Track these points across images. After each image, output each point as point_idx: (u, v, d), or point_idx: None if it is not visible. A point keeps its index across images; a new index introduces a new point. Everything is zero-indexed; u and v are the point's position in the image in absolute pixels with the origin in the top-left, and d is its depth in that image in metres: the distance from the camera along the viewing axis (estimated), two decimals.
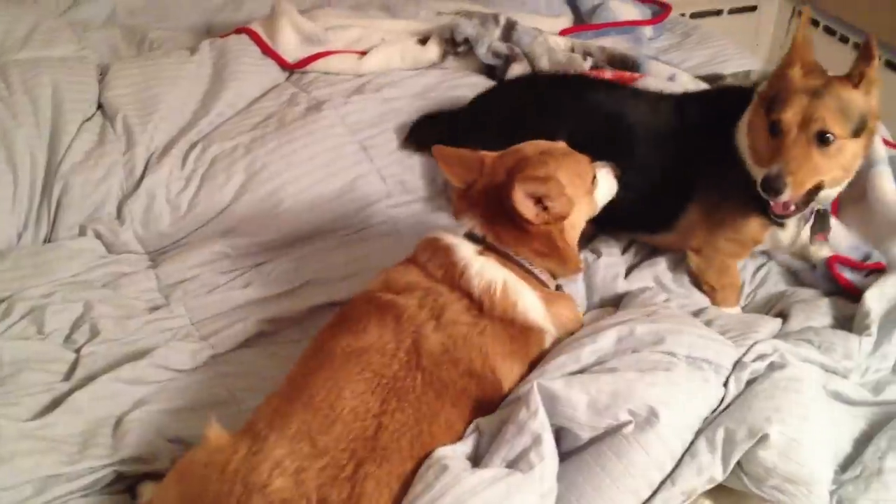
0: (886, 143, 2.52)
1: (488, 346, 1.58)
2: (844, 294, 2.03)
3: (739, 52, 3.17)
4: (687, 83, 2.57)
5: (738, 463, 1.48)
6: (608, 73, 2.55)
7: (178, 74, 2.49)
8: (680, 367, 1.56)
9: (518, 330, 1.63)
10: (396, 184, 2.33)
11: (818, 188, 1.87)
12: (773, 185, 1.77)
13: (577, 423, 1.45)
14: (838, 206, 2.36)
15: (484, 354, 1.57)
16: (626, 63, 2.69)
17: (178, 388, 1.80)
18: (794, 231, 2.05)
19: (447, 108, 2.44)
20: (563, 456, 1.48)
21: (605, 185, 1.82)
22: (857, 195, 2.32)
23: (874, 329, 1.86)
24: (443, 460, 1.39)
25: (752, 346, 1.67)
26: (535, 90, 2.26)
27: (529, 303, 1.64)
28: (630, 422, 1.45)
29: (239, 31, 2.72)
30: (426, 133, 2.35)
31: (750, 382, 1.60)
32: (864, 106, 1.84)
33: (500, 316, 1.61)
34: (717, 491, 1.51)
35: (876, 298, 1.91)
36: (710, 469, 1.46)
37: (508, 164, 1.67)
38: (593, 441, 1.48)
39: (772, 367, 1.62)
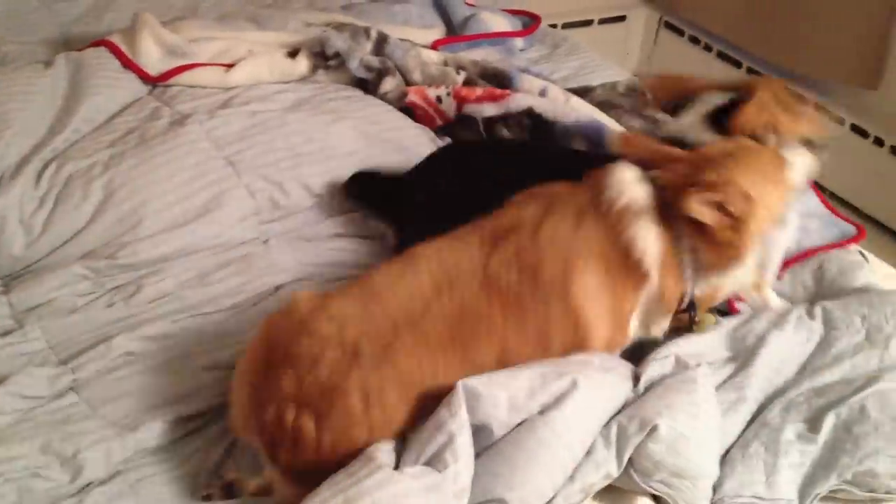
0: None
1: (572, 254, 1.61)
2: None
3: (605, 64, 3.28)
4: (557, 97, 2.63)
5: (630, 459, 1.54)
6: (479, 90, 2.58)
7: (30, 89, 2.39)
8: (594, 368, 1.63)
9: (620, 257, 1.64)
10: (266, 199, 2.29)
11: None
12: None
13: (497, 421, 1.49)
14: None
15: (562, 261, 1.60)
16: (498, 77, 2.73)
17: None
18: None
19: (385, 168, 2.39)
20: (479, 454, 1.50)
21: (802, 165, 1.85)
22: None
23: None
24: (373, 456, 1.40)
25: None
26: (491, 158, 2.28)
27: (651, 241, 1.64)
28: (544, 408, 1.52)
29: (97, 43, 2.63)
30: (366, 188, 2.33)
31: (649, 388, 1.68)
32: None
33: (610, 232, 1.64)
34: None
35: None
36: (607, 464, 1.52)
37: (690, 168, 1.67)
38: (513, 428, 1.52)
39: (670, 373, 1.72)
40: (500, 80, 2.72)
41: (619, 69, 3.35)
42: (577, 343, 1.65)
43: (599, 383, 1.60)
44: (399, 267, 1.62)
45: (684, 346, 1.80)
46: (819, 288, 2.16)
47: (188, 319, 1.97)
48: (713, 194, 1.61)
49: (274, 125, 2.41)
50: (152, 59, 2.59)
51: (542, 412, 1.51)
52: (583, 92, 2.78)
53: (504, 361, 1.56)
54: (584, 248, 1.63)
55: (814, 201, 2.47)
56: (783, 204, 1.77)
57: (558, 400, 1.51)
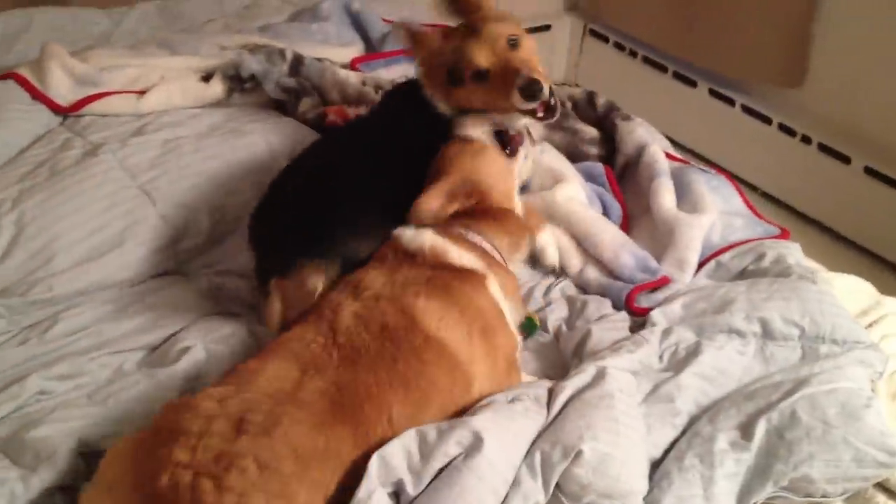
0: (669, 156, 2.74)
1: (406, 294, 1.76)
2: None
3: None
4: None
5: (557, 484, 1.57)
6: None
7: None
8: (500, 404, 1.69)
9: (450, 275, 1.84)
10: (182, 227, 2.30)
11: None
12: (532, 87, 2.05)
13: (407, 477, 1.51)
14: (628, 220, 2.55)
15: (401, 306, 1.73)
16: None
17: None
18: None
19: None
20: None
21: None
22: (644, 208, 2.52)
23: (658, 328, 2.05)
24: None
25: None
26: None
27: (461, 252, 1.89)
28: (460, 454, 1.53)
29: (5, 76, 2.62)
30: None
31: (566, 405, 1.72)
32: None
33: (428, 265, 1.86)
34: None
35: (661, 315, 2.10)
36: (535, 495, 1.55)
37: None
38: (428, 485, 1.53)
39: (586, 387, 1.76)
40: None
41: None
42: (458, 366, 1.72)
43: (508, 420, 1.63)
44: (260, 360, 1.64)
45: (612, 361, 1.85)
46: (748, 276, 2.26)
47: (104, 357, 1.98)
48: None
49: (188, 150, 2.44)
50: (62, 89, 2.60)
51: (463, 457, 1.54)
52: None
53: (398, 422, 1.60)
54: (413, 290, 1.78)
55: (736, 200, 2.58)
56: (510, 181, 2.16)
57: (475, 437, 1.55)
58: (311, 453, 1.44)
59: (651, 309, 2.15)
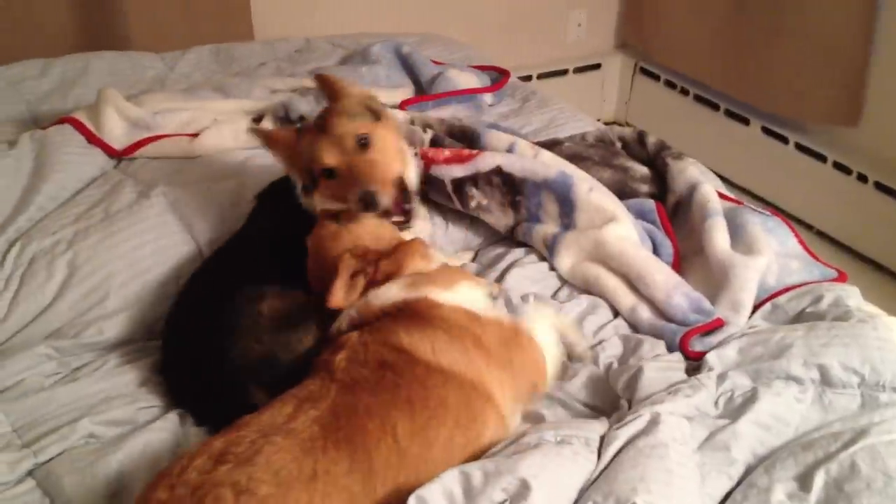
0: (722, 196, 2.69)
1: (387, 335, 1.77)
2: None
3: (576, 114, 3.35)
4: (525, 152, 2.68)
5: None
6: (446, 152, 2.62)
7: None
8: (549, 445, 1.65)
9: (406, 312, 1.84)
10: None
11: (400, 180, 2.16)
12: (368, 199, 2.04)
13: None
14: (679, 260, 2.51)
15: (390, 344, 1.75)
16: (465, 135, 2.79)
17: None
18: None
19: None
20: None
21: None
22: (696, 248, 2.47)
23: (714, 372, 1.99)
24: None
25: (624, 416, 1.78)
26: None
27: (387, 291, 1.90)
28: (504, 501, 1.49)
29: (62, 120, 2.70)
30: None
31: (619, 452, 1.67)
32: (359, 99, 2.25)
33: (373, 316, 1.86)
34: None
35: (716, 359, 2.04)
36: None
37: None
38: None
39: (639, 434, 1.71)
40: (467, 138, 2.77)
41: (590, 119, 3.42)
42: (467, 384, 1.73)
43: (557, 467, 1.60)
44: (258, 410, 1.64)
45: (668, 406, 1.81)
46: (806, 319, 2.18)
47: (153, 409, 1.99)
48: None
49: (232, 194, 2.47)
50: (116, 133, 2.66)
51: (506, 500, 1.50)
52: (551, 145, 2.83)
53: (406, 438, 1.59)
54: (389, 330, 1.81)
55: (792, 242, 2.51)
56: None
57: (522, 485, 1.51)
58: (296, 477, 1.44)
59: (706, 353, 2.09)
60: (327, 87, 2.30)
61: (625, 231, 2.45)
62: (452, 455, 1.67)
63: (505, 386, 1.81)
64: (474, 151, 2.62)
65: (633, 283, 2.35)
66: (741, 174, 4.44)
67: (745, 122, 4.52)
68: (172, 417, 1.92)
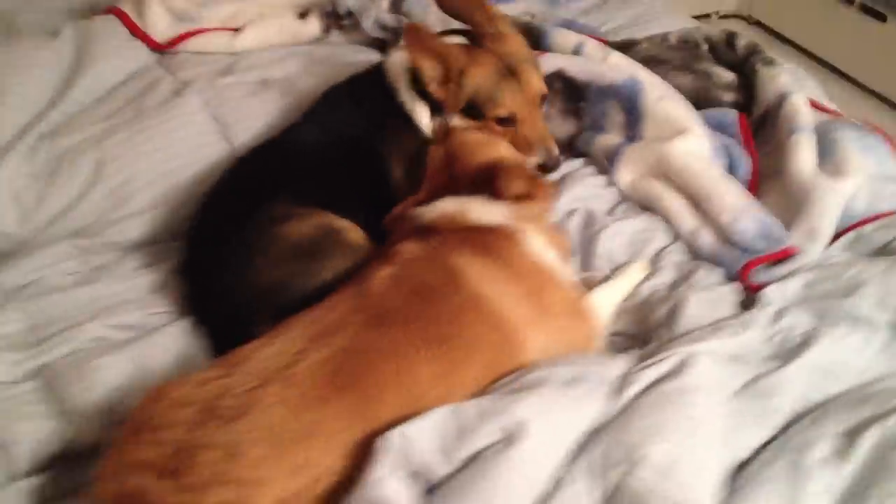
0: (820, 108, 2.40)
1: (443, 252, 1.65)
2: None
3: (667, 11, 3.04)
4: (593, 54, 2.44)
5: (616, 487, 1.37)
6: None
7: (31, 62, 2.37)
8: (558, 384, 1.49)
9: (484, 234, 1.72)
10: None
11: None
12: (550, 166, 2.14)
13: (436, 458, 1.36)
14: (758, 179, 2.25)
15: (439, 263, 1.63)
16: (530, 33, 2.55)
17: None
18: None
19: None
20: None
21: None
22: (776, 167, 2.21)
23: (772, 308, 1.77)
24: None
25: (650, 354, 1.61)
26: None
27: (485, 209, 1.77)
28: (496, 442, 1.37)
29: (107, 10, 2.60)
30: None
31: (641, 395, 1.51)
32: (522, 41, 2.18)
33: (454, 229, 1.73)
34: None
35: (777, 292, 1.81)
36: (591, 494, 1.36)
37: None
38: (459, 470, 1.37)
39: (666, 376, 1.53)
40: (532, 37, 2.54)
41: (683, 16, 3.11)
42: (505, 325, 1.59)
43: (562, 408, 1.43)
44: (271, 333, 1.52)
45: (708, 344, 1.62)
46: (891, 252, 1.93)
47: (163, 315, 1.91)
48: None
49: (275, 95, 2.33)
50: (160, 25, 2.56)
51: (503, 445, 1.36)
52: (626, 46, 2.57)
53: (426, 382, 1.46)
54: (450, 247, 1.68)
55: (892, 163, 2.20)
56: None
57: (518, 426, 1.37)
58: (293, 434, 1.32)
59: (764, 285, 1.86)
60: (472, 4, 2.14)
61: (695, 145, 2.20)
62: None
63: (549, 346, 1.65)
64: (536, 52, 2.39)
65: (699, 204, 2.12)
66: (874, 76, 4.00)
67: (882, 18, 4.04)
68: (181, 325, 1.84)
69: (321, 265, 1.80)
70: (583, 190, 2.25)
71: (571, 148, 2.43)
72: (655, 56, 2.55)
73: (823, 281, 1.81)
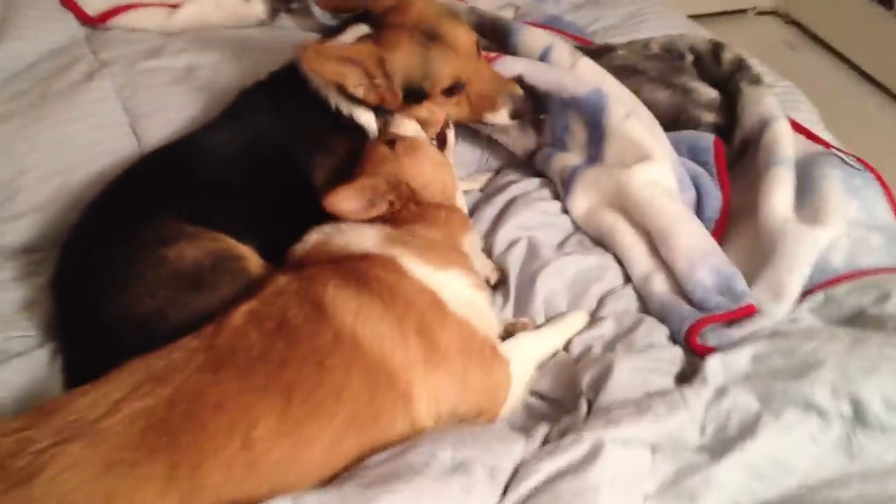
0: (811, 136, 2.14)
1: (313, 285, 1.46)
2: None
3: (661, 11, 2.77)
4: (561, 59, 2.17)
5: None
6: None
7: None
8: (435, 472, 1.28)
9: (362, 262, 1.52)
10: None
11: None
12: (522, 107, 2.00)
13: None
14: (727, 217, 2.00)
15: (307, 296, 1.44)
16: (496, 31, 2.30)
17: None
18: None
19: None
20: None
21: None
22: (750, 204, 1.96)
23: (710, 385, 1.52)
24: None
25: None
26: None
27: (361, 233, 1.60)
28: None
29: None
30: None
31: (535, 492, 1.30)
32: None
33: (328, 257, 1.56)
34: None
35: (719, 365, 1.56)
36: None
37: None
38: None
39: (568, 471, 1.32)
40: (497, 35, 2.29)
41: (681, 17, 2.83)
42: (382, 371, 1.38)
43: None
44: (101, 378, 1.32)
45: (625, 430, 1.39)
46: (864, 322, 1.67)
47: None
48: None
49: (200, 84, 2.09)
50: None
51: None
52: (602, 52, 2.31)
53: (265, 441, 1.25)
54: (322, 279, 1.47)
55: (882, 209, 1.94)
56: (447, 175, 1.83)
57: None
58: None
59: (715, 351, 1.63)
60: None
61: (659, 175, 1.96)
62: (336, 461, 1.32)
63: (440, 397, 1.45)
64: (494, 56, 2.14)
65: (655, 243, 1.87)
66: None
67: None
68: (41, 355, 1.64)
69: (205, 298, 1.58)
70: (531, 216, 2.00)
71: (529, 165, 2.18)
72: (632, 65, 2.28)
73: (776, 354, 1.56)
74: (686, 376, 1.60)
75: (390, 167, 1.73)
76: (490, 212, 2.03)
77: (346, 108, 1.88)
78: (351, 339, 1.38)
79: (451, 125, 1.94)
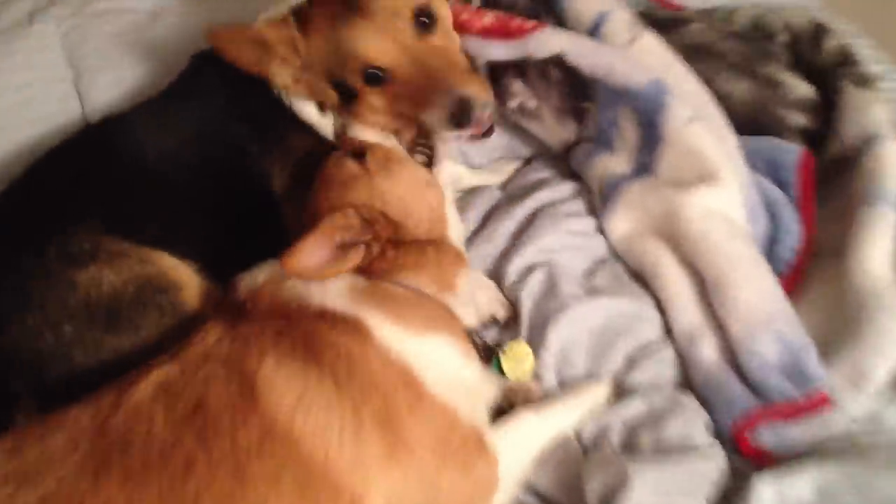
0: None
1: (246, 354, 1.16)
2: None
3: None
4: (616, 33, 1.72)
5: None
6: (489, 17, 1.71)
7: None
8: None
9: (317, 324, 1.21)
10: None
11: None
12: (466, 110, 1.41)
13: None
14: (807, 258, 1.57)
15: (236, 371, 1.14)
16: None
17: None
18: None
19: None
20: None
21: None
22: (838, 245, 1.53)
23: None
24: None
25: None
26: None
27: (324, 289, 1.26)
28: None
29: None
30: None
31: None
32: None
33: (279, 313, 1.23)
34: None
35: (771, 492, 1.19)
36: None
37: None
38: None
39: None
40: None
41: None
42: (326, 479, 1.08)
43: None
44: None
45: None
46: None
47: None
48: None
49: (168, 32, 1.70)
50: None
51: None
52: (672, 24, 1.84)
53: None
54: (258, 347, 1.16)
55: None
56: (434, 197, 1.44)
57: None
58: None
59: (772, 456, 1.26)
60: None
61: (721, 201, 1.56)
62: None
63: (407, 499, 1.13)
64: (529, 24, 1.71)
65: (707, 291, 1.47)
66: None
67: None
68: None
69: (121, 338, 1.28)
70: (556, 239, 1.61)
71: (564, 162, 1.77)
72: (708, 45, 1.81)
73: (849, 492, 1.18)
74: (728, 496, 1.23)
75: (362, 191, 1.35)
76: (507, 228, 1.65)
77: (286, 98, 1.52)
78: (285, 437, 1.08)
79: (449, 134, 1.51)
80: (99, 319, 1.26)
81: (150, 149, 1.41)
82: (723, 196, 1.54)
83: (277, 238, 1.32)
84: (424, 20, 1.47)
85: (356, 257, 1.29)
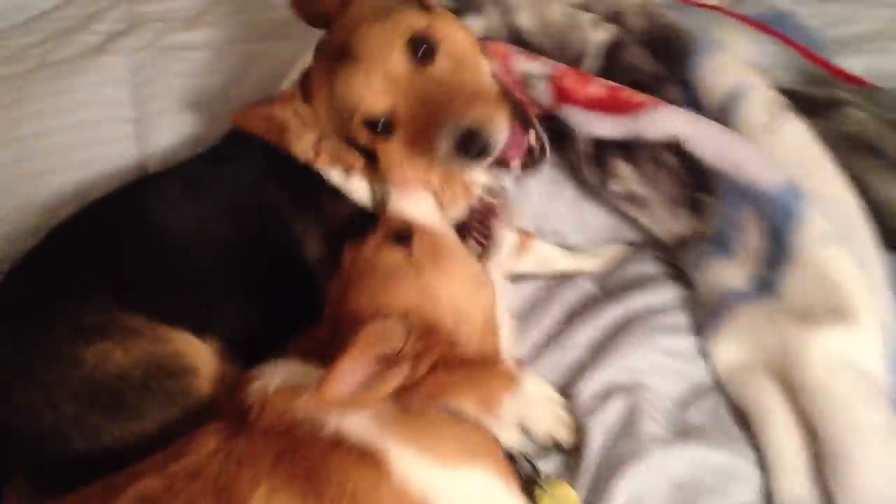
0: None
1: (238, 478, 1.02)
2: None
3: None
4: (751, 117, 1.44)
5: None
6: (595, 86, 1.45)
7: None
8: None
9: (325, 453, 1.04)
10: None
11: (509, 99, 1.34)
12: (475, 141, 1.21)
13: None
14: None
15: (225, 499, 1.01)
16: (667, 47, 1.54)
17: None
18: None
19: None
20: None
21: None
22: None
23: None
24: None
25: None
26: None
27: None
28: None
29: None
30: None
31: None
32: None
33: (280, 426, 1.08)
34: None
35: None
36: None
37: None
38: None
39: None
40: (668, 53, 1.56)
41: None
42: None
43: None
44: None
45: None
46: None
47: None
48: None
49: (235, 64, 1.56)
50: None
51: None
52: (823, 107, 1.53)
53: None
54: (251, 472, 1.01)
55: None
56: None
57: None
58: None
59: None
60: None
61: (854, 347, 1.29)
62: None
63: None
64: (641, 97, 1.45)
65: (821, 457, 1.20)
66: None
67: None
68: None
69: (123, 425, 1.18)
70: (646, 355, 1.36)
71: (678, 259, 1.52)
72: (868, 137, 1.50)
73: None
74: None
75: (408, 291, 1.15)
76: (586, 336, 1.41)
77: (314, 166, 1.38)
78: None
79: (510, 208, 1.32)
80: (101, 402, 1.17)
81: (177, 217, 1.30)
82: (857, 340, 1.26)
83: (310, 311, 1.20)
84: (423, 47, 1.27)
85: (398, 377, 1.09)
